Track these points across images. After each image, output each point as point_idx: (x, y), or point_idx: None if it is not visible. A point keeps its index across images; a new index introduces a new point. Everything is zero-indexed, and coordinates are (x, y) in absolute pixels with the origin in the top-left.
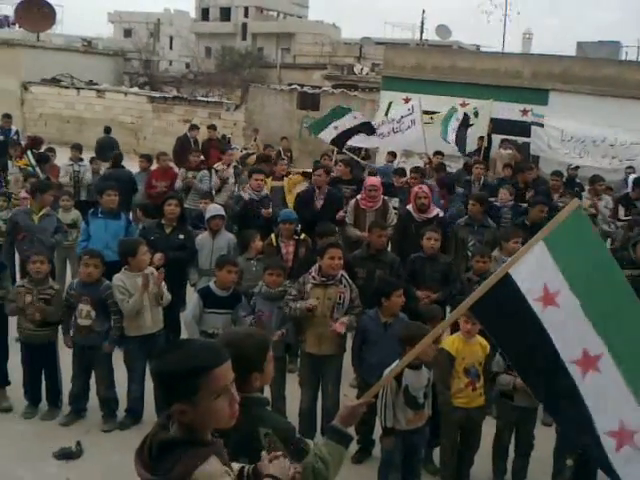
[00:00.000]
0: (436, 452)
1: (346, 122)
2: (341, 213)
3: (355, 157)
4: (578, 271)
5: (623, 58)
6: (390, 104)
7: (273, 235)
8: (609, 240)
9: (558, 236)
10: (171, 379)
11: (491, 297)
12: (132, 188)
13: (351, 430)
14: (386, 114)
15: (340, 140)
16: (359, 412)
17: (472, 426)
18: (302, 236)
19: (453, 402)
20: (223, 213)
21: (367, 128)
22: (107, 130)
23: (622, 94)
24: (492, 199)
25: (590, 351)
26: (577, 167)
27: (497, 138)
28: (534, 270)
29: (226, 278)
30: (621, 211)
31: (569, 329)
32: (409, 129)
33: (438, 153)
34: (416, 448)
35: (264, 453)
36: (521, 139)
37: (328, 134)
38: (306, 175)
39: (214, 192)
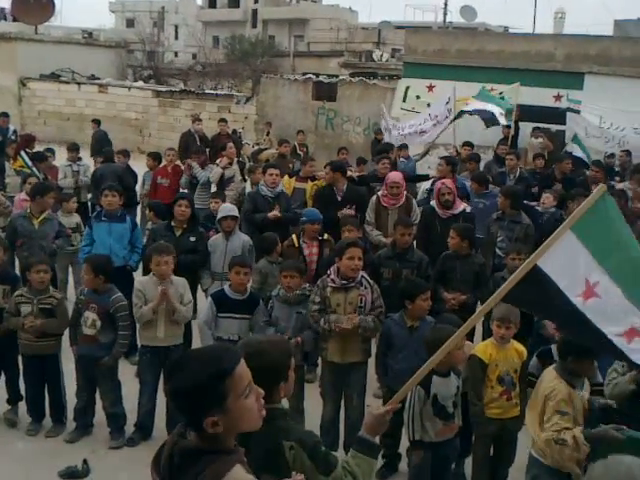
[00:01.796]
0: (468, 465)
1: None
2: (346, 210)
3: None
4: (613, 257)
5: None
6: (407, 89)
7: (294, 236)
8: None
9: (588, 224)
10: (196, 392)
11: (521, 289)
12: (126, 184)
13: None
14: (404, 100)
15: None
16: (386, 420)
17: (507, 437)
18: (325, 236)
19: (486, 413)
20: (236, 213)
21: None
22: (99, 122)
23: None
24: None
25: (635, 324)
26: (613, 154)
27: (528, 126)
28: (568, 263)
29: (235, 280)
30: None
31: (613, 312)
32: (446, 119)
33: (467, 144)
34: (446, 461)
35: None
36: (554, 127)
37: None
38: None
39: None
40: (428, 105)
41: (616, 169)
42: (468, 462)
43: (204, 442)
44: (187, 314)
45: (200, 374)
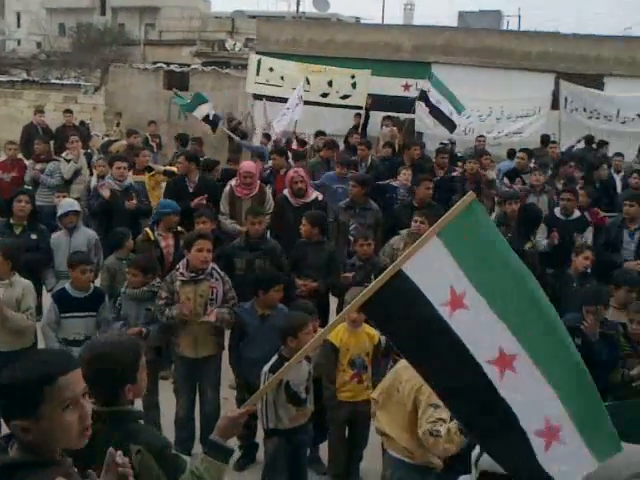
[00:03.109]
0: (324, 450)
1: None
2: (197, 200)
3: (234, 136)
4: (481, 268)
5: (504, 28)
6: (260, 61)
7: (148, 229)
8: None
9: (454, 231)
10: (9, 392)
11: (384, 295)
12: None
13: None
14: (257, 74)
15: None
16: (240, 423)
17: (360, 420)
18: (180, 228)
19: (338, 397)
20: (78, 208)
21: None
22: None
23: (506, 65)
24: (390, 180)
25: (505, 350)
26: (453, 142)
27: (379, 115)
28: (434, 270)
29: (80, 278)
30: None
31: (481, 329)
32: (297, 106)
33: (320, 133)
34: (301, 447)
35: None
36: (404, 116)
37: (205, 109)
38: (170, 174)
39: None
40: (282, 78)
41: (459, 154)
42: (323, 447)
43: (25, 454)
44: (23, 322)
45: (18, 375)
